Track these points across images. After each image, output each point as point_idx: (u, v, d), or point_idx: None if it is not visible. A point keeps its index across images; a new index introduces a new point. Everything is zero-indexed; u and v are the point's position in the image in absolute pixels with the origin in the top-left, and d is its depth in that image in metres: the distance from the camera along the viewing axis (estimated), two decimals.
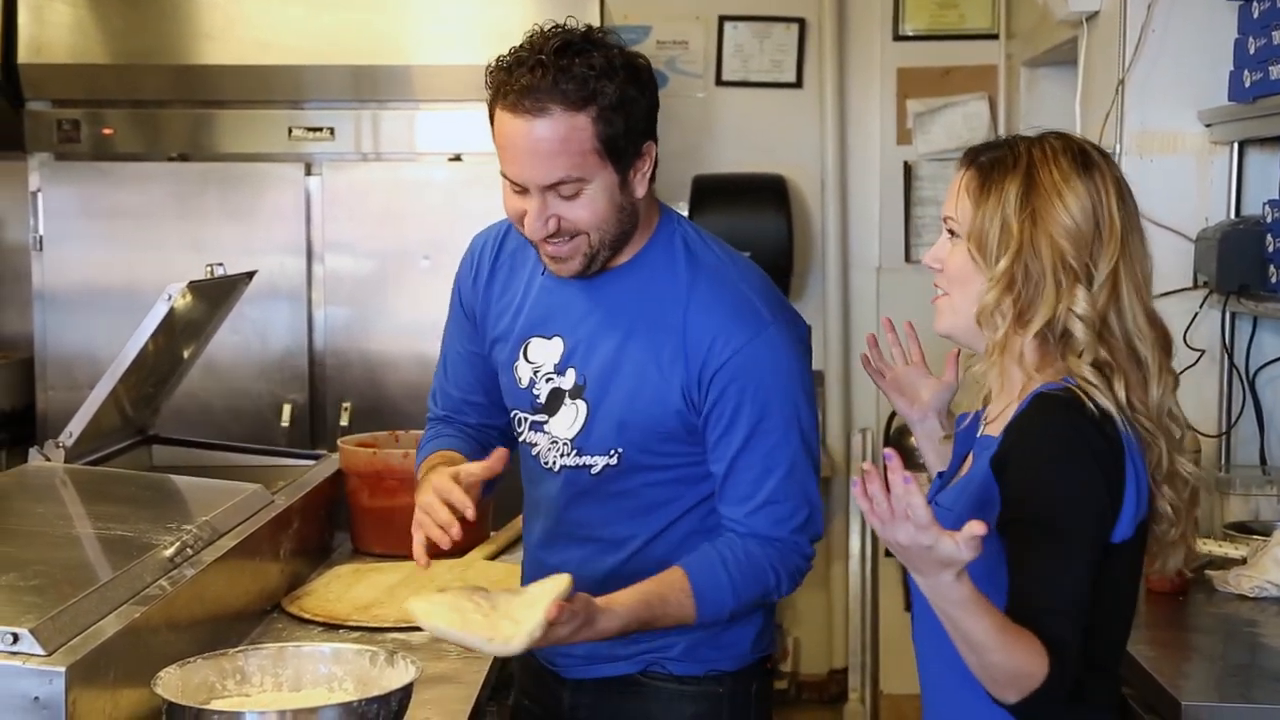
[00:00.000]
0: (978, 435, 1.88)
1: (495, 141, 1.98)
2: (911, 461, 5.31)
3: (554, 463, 2.14)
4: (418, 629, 2.55)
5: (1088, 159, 1.81)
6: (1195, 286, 3.20)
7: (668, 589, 1.98)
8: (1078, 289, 1.76)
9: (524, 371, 2.16)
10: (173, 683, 1.90)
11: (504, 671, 2.53)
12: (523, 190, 1.97)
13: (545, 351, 2.13)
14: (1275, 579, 2.63)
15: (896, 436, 4.72)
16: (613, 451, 2.09)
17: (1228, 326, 3.23)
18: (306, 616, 2.60)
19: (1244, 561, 2.73)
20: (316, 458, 3.27)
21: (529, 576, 2.23)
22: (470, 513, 1.96)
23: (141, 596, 2.06)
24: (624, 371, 2.07)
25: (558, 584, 1.87)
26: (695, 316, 2.03)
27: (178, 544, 2.26)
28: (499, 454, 2.01)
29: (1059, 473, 1.70)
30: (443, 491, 1.99)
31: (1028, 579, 1.69)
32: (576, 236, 1.99)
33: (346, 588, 2.77)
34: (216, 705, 1.92)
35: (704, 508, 2.11)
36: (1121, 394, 1.76)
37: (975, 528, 1.56)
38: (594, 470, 2.11)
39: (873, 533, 4.75)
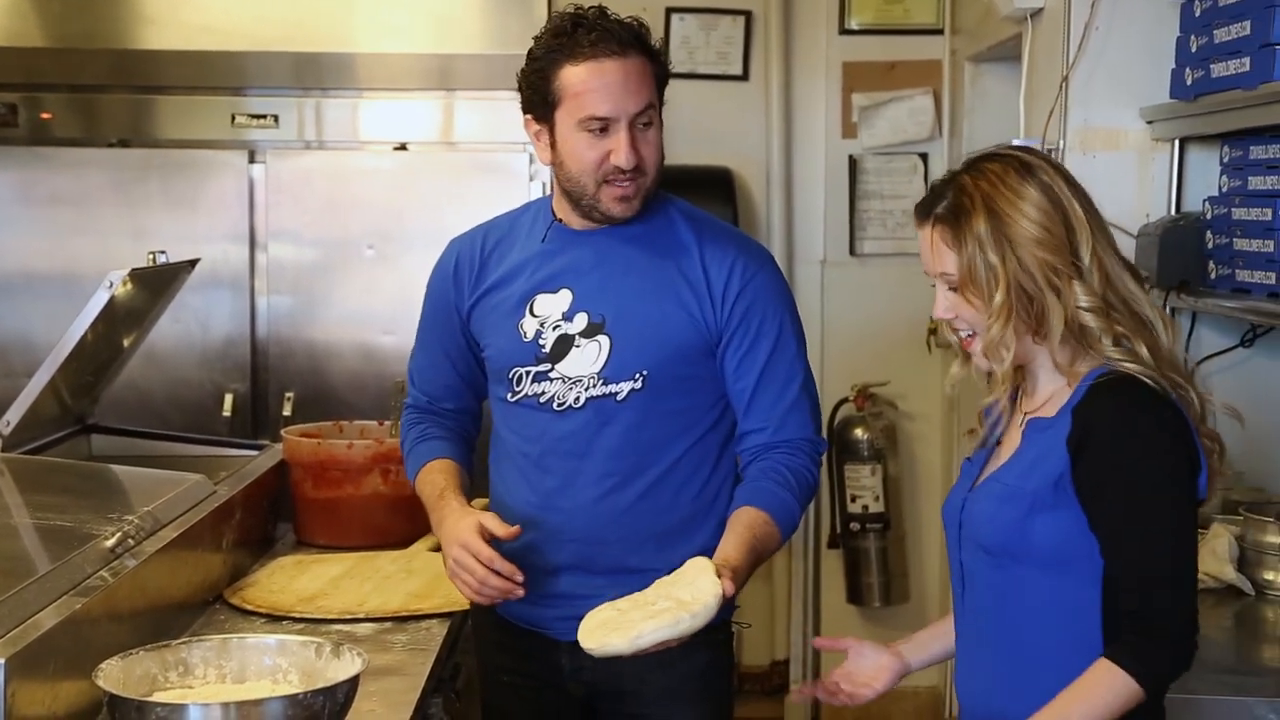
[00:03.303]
0: (1026, 417, 1.93)
1: (567, 93, 2.18)
2: (855, 454, 5.28)
3: (578, 398, 2.26)
4: (362, 620, 2.55)
5: (1026, 164, 1.88)
6: None
7: (757, 527, 2.17)
8: (1075, 285, 1.85)
9: (529, 326, 2.30)
10: (114, 674, 1.88)
11: (449, 663, 2.53)
12: (603, 131, 2.18)
13: (551, 304, 2.29)
14: (1213, 571, 2.67)
15: (840, 429, 4.75)
16: (637, 375, 2.25)
17: None
18: (249, 608, 2.58)
19: None
20: (259, 448, 3.25)
21: (526, 536, 2.27)
22: (520, 578, 2.14)
23: (82, 588, 2.04)
24: (644, 301, 2.26)
25: (703, 563, 2.04)
26: (711, 250, 2.28)
27: (118, 534, 2.24)
28: (517, 530, 2.18)
29: (1148, 447, 1.81)
30: (485, 559, 2.14)
31: (1132, 554, 1.80)
32: (643, 175, 2.22)
33: (290, 579, 2.75)
34: (159, 697, 1.90)
35: (711, 439, 2.30)
36: (1147, 357, 1.85)
37: None
38: (619, 397, 2.25)
39: (815, 525, 4.79)
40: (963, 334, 1.93)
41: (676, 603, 1.97)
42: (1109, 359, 1.85)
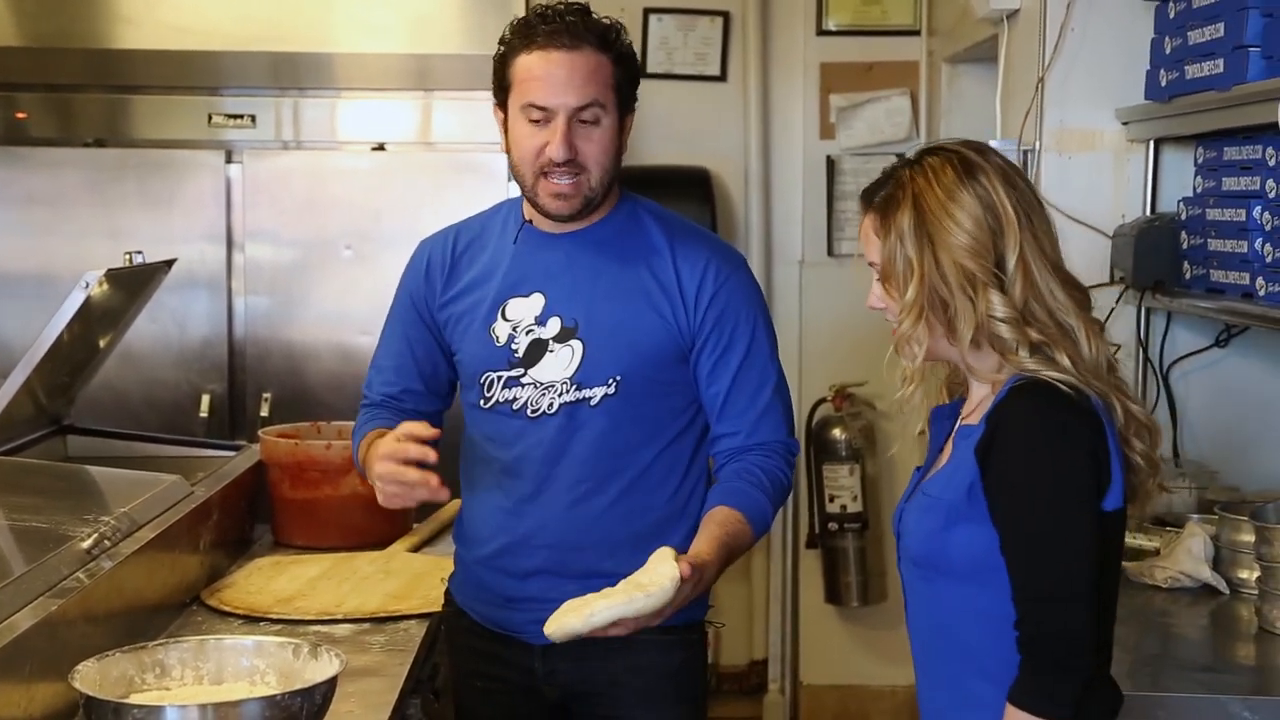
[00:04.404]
0: (958, 425, 1.92)
1: (516, 79, 2.20)
2: (833, 454, 5.28)
3: (551, 404, 2.25)
4: (340, 620, 2.54)
5: (968, 163, 1.84)
6: (1112, 282, 3.25)
7: (729, 525, 2.18)
8: (991, 294, 1.81)
9: (502, 330, 2.29)
10: (91, 676, 1.87)
11: (427, 664, 2.52)
12: (545, 122, 2.18)
13: (524, 308, 2.28)
14: (1188, 570, 2.68)
15: (818, 429, 4.76)
16: (611, 380, 2.24)
17: (1143, 322, 3.28)
18: (227, 609, 2.57)
19: (1158, 553, 2.78)
20: (237, 448, 3.24)
21: (499, 541, 2.30)
22: (433, 456, 2.12)
23: (58, 589, 2.03)
24: (617, 304, 2.25)
25: (665, 551, 2.04)
26: (683, 252, 2.28)
27: (95, 536, 2.23)
28: (437, 432, 2.17)
29: (1045, 453, 1.77)
30: (398, 452, 2.13)
31: (1029, 567, 1.75)
32: (582, 174, 2.20)
33: (267, 580, 2.74)
34: (136, 699, 1.89)
35: (684, 443, 2.30)
36: (1068, 365, 1.81)
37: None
38: (593, 402, 2.25)
39: (794, 525, 4.80)
40: (892, 324, 1.91)
41: (634, 585, 2.00)
42: (1024, 369, 1.81)
